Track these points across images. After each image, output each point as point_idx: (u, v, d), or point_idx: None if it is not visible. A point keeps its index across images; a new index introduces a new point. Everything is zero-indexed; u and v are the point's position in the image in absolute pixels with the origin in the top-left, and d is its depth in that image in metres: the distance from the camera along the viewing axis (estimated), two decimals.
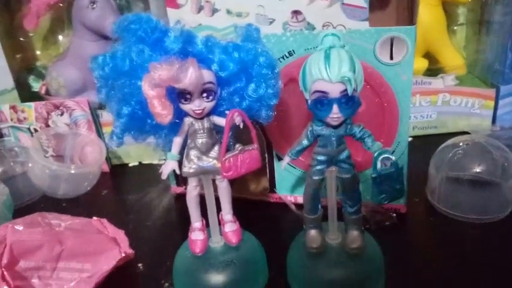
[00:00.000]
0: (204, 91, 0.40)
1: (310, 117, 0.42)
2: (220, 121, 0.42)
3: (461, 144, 0.56)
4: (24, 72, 0.78)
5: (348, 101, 0.38)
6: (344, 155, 0.42)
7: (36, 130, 0.72)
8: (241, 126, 0.41)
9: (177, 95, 0.40)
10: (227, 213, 0.47)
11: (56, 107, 0.70)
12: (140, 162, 0.76)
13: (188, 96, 0.40)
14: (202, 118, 0.42)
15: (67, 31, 0.77)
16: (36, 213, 0.51)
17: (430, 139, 0.75)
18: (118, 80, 0.40)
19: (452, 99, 0.73)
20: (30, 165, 0.65)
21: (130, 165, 0.76)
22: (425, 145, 0.66)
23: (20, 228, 0.47)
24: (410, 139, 0.72)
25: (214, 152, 0.43)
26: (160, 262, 0.51)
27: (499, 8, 0.71)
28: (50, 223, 0.49)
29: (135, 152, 0.75)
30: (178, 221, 0.61)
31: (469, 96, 0.73)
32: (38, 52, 0.78)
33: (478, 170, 0.54)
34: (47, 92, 0.76)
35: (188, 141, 0.43)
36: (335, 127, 0.40)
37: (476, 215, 0.53)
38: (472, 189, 0.54)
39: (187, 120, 0.42)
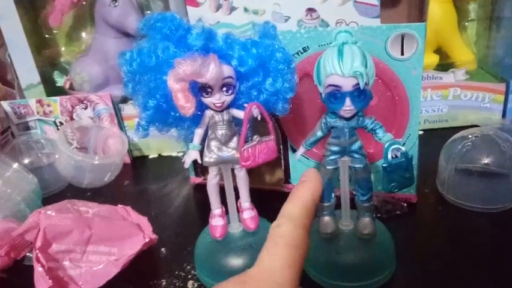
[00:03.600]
0: (223, 85, 0.42)
1: (323, 111, 0.45)
2: (239, 114, 0.45)
3: (470, 136, 0.57)
4: (49, 68, 0.81)
5: (360, 95, 0.40)
6: (356, 146, 0.44)
7: (61, 123, 0.75)
8: (259, 118, 0.44)
9: (199, 89, 0.43)
10: (245, 201, 0.49)
11: (80, 101, 0.73)
12: (159, 154, 0.79)
13: (209, 90, 0.42)
14: (222, 111, 0.44)
15: (89, 28, 0.80)
16: (66, 201, 0.54)
17: (441, 133, 0.76)
18: (144, 75, 0.42)
19: (462, 93, 0.75)
20: (56, 156, 0.69)
21: (150, 157, 0.79)
22: (436, 138, 0.67)
23: (52, 213, 0.50)
24: (421, 132, 0.74)
25: (233, 142, 0.46)
26: (181, 247, 0.54)
27: (510, 4, 0.73)
28: (79, 210, 0.52)
29: (155, 145, 0.78)
30: (198, 210, 0.64)
31: (479, 90, 0.74)
32: (62, 48, 0.81)
33: (486, 161, 0.56)
34: (71, 87, 0.79)
35: (209, 132, 0.45)
36: (348, 119, 0.43)
37: (485, 204, 0.55)
38: (480, 180, 0.56)
39: (208, 112, 0.45)
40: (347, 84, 0.40)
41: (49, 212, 0.50)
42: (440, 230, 0.55)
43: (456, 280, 0.46)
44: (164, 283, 0.49)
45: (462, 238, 0.52)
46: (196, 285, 0.49)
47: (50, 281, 0.46)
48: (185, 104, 0.41)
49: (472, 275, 0.47)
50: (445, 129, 0.77)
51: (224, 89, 0.43)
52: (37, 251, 0.48)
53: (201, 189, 0.60)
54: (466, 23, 0.80)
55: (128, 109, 0.75)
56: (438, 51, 0.79)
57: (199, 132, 0.46)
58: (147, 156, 0.79)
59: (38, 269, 0.47)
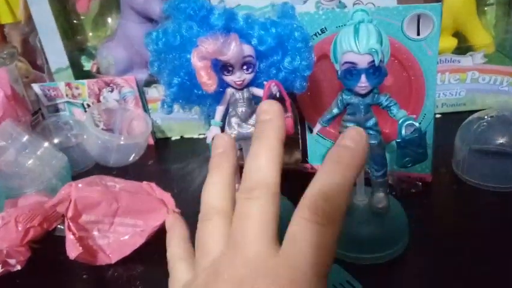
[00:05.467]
0: (244, 64, 0.44)
1: (339, 91, 0.46)
2: (259, 92, 0.46)
3: (485, 117, 0.58)
4: (77, 52, 0.84)
5: (375, 71, 0.42)
6: (371, 122, 0.45)
7: (89, 105, 0.78)
8: (277, 95, 0.46)
9: (220, 68, 0.45)
10: None
11: (107, 84, 0.76)
12: (181, 136, 0.82)
13: (230, 68, 0.44)
14: (242, 89, 0.46)
15: (115, 14, 0.83)
16: (94, 176, 0.57)
17: (459, 116, 0.76)
18: (169, 54, 0.44)
19: (480, 77, 0.75)
20: (85, 136, 0.72)
21: (173, 138, 0.82)
22: (453, 121, 0.67)
23: (82, 186, 0.53)
24: (439, 116, 0.75)
25: (253, 120, 0.47)
26: None
27: None
28: (106, 184, 0.55)
29: (177, 127, 0.80)
30: None
31: (497, 74, 0.74)
32: (89, 34, 0.84)
33: (501, 141, 0.56)
34: (98, 71, 0.82)
35: (230, 109, 0.47)
36: (363, 96, 0.44)
37: (499, 184, 0.56)
38: (495, 160, 0.56)
39: (229, 90, 0.47)
40: (363, 61, 0.41)
41: (80, 185, 0.53)
42: (454, 208, 0.56)
43: (468, 258, 0.47)
44: None
45: (476, 217, 0.53)
46: None
47: (81, 248, 0.49)
48: (208, 81, 0.43)
49: (484, 253, 0.48)
50: (463, 113, 0.77)
51: (244, 67, 0.44)
52: (69, 221, 0.51)
53: None
54: (486, 8, 0.80)
55: (152, 92, 0.78)
56: (457, 34, 0.79)
57: (220, 109, 0.48)
58: (170, 138, 0.82)
59: (70, 237, 0.50)
